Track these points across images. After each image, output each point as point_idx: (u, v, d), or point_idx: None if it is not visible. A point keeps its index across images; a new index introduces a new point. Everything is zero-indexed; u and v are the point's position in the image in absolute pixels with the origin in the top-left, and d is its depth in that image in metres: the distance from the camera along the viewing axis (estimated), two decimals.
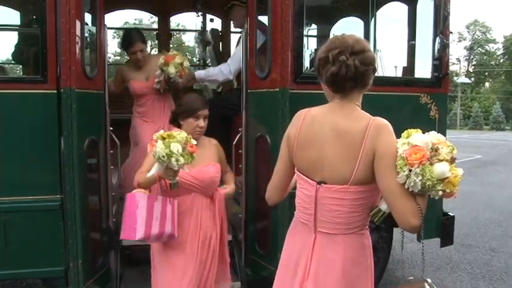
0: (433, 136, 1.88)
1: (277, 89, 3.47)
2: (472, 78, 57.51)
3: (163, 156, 2.57)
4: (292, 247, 2.17)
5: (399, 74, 4.84)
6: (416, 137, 1.86)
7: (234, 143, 3.95)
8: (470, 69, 61.55)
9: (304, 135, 2.04)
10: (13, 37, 4.79)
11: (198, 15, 6.80)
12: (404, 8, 4.65)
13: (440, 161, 1.81)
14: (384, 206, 1.95)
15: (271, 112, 3.54)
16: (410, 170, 1.79)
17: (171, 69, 4.10)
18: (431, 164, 1.80)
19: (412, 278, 2.13)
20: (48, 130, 3.32)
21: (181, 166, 2.64)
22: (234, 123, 4.49)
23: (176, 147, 2.59)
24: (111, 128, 3.67)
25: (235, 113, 4.33)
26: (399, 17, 4.77)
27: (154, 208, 2.79)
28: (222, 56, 6.27)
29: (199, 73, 4.63)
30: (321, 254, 2.03)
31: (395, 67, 5.33)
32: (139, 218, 2.74)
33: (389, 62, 5.05)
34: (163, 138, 2.61)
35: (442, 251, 5.39)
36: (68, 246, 3.27)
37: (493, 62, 61.01)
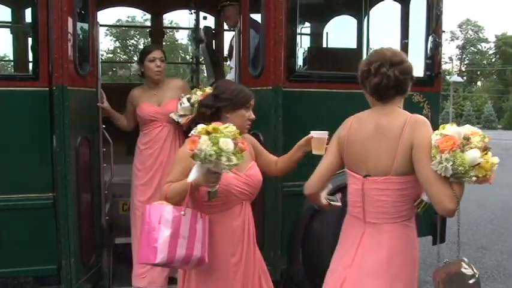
0: (467, 128, 2.04)
1: (271, 87, 3.47)
2: (464, 77, 57.81)
3: (210, 156, 2.04)
4: (345, 241, 2.33)
5: None
6: (449, 128, 2.03)
7: None
8: (463, 68, 61.88)
9: (353, 135, 2.25)
10: (4, 34, 4.76)
11: (191, 13, 6.78)
12: (397, 7, 4.67)
13: (472, 148, 1.96)
14: (425, 197, 2.11)
15: (264, 110, 3.53)
16: (441, 158, 1.95)
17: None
18: (462, 152, 1.95)
19: (447, 260, 2.24)
20: (40, 128, 3.30)
21: (231, 168, 2.13)
22: None
23: (227, 144, 2.07)
24: (104, 126, 3.65)
25: None
26: (392, 15, 4.78)
27: (182, 224, 2.24)
28: (215, 54, 6.26)
29: None
30: (367, 243, 2.19)
31: None
32: (161, 235, 2.20)
33: None
34: (208, 133, 2.10)
35: (434, 248, 5.41)
36: (61, 244, 3.26)
37: (485, 61, 61.39)
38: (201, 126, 2.15)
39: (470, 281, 2.10)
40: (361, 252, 2.19)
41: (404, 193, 2.13)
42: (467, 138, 1.98)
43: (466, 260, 2.17)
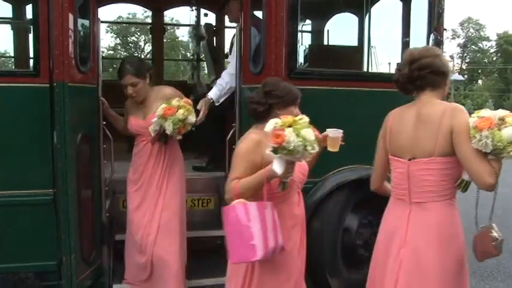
0: (500, 111, 2.26)
1: None
2: (465, 76, 57.73)
3: (298, 146, 2.14)
4: (388, 224, 2.53)
5: (393, 71, 4.84)
6: (485, 112, 2.27)
7: (228, 138, 3.94)
8: (464, 67, 61.78)
9: (395, 126, 2.50)
10: (5, 30, 4.76)
11: (192, 10, 6.78)
12: (398, 5, 4.66)
13: (507, 127, 2.16)
14: (466, 176, 2.31)
15: None
16: (481, 135, 2.16)
17: (169, 126, 3.29)
18: (499, 130, 2.15)
19: (483, 225, 2.53)
20: (41, 124, 3.30)
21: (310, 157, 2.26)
22: (228, 118, 4.47)
23: (309, 134, 2.19)
24: (104, 123, 3.65)
25: (229, 108, 4.32)
26: (393, 13, 4.78)
27: (267, 217, 2.33)
28: (215, 51, 6.26)
29: (214, 93, 4.16)
30: (415, 221, 2.36)
31: (389, 63, 5.35)
32: (255, 232, 2.27)
33: (383, 59, 5.06)
34: (289, 126, 2.19)
35: None
36: (61, 240, 3.26)
37: (486, 60, 61.26)
38: (278, 121, 2.23)
39: (493, 243, 2.44)
40: (411, 232, 2.36)
41: (448, 172, 2.31)
42: (502, 119, 2.19)
43: (494, 225, 2.51)
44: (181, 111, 3.29)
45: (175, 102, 3.33)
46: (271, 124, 2.25)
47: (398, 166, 2.45)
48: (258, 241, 2.27)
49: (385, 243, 2.50)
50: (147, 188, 3.53)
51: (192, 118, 3.37)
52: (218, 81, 4.21)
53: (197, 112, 3.67)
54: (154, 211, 3.50)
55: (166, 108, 3.28)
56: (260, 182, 2.33)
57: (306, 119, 2.28)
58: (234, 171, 2.44)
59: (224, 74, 4.20)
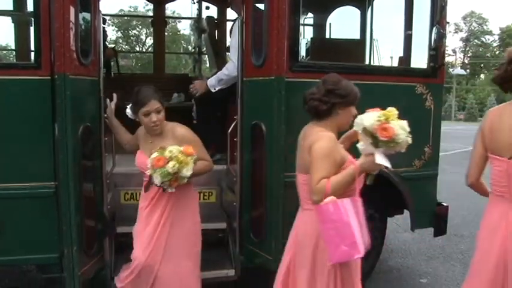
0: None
1: (273, 77, 3.46)
2: (468, 70, 57.56)
3: (405, 138, 2.28)
4: (489, 220, 2.58)
5: (395, 64, 4.83)
6: None
7: (229, 131, 3.94)
8: (466, 61, 61.59)
9: (495, 124, 2.52)
10: (6, 22, 4.74)
11: (194, 3, 6.76)
12: None
13: None
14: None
15: (266, 100, 3.53)
16: None
17: (156, 179, 2.93)
18: None
19: None
20: (42, 117, 3.29)
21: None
22: (229, 111, 4.47)
23: (406, 125, 2.30)
24: (106, 115, 3.64)
25: (230, 101, 4.32)
26: (396, 6, 4.75)
27: (359, 212, 2.40)
28: (217, 44, 6.24)
29: (211, 81, 4.29)
30: None
31: (392, 57, 5.32)
32: (355, 228, 2.31)
33: (385, 52, 5.04)
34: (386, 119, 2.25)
35: (435, 240, 5.43)
36: (63, 233, 3.26)
37: (488, 54, 61.05)
38: (378, 115, 2.28)
39: None
40: None
41: None
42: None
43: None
44: (171, 163, 2.87)
45: (167, 152, 2.92)
46: (370, 119, 2.28)
47: (498, 164, 2.52)
48: (358, 238, 2.28)
49: (488, 239, 2.55)
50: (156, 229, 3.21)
51: (187, 172, 2.93)
52: (219, 72, 4.31)
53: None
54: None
55: (156, 159, 2.90)
56: (352, 179, 2.38)
57: (395, 110, 2.34)
58: (319, 171, 2.39)
59: (228, 64, 4.25)
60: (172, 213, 3.20)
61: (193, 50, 7.63)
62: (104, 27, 5.22)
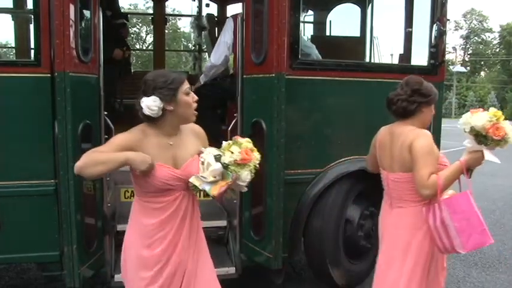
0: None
1: (273, 75, 3.45)
2: (468, 67, 57.50)
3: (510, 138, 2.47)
4: None
5: (395, 61, 4.82)
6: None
7: (229, 128, 3.93)
8: (466, 58, 61.54)
9: None
10: (6, 20, 4.73)
11: (194, 0, 6.76)
12: None
13: None
14: None
15: (266, 98, 3.52)
16: None
17: (247, 177, 2.27)
18: None
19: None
20: (42, 114, 3.29)
21: None
22: (229, 108, 4.47)
23: (510, 125, 2.50)
24: (106, 113, 3.64)
25: (230, 99, 4.32)
26: (396, 3, 4.74)
27: (474, 204, 2.56)
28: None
29: (202, 77, 4.70)
30: None
31: (392, 54, 5.32)
32: (481, 218, 2.52)
33: (385, 49, 5.03)
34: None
35: None
36: (63, 231, 3.26)
37: (488, 51, 61.01)
38: (489, 115, 2.45)
39: None
40: None
41: None
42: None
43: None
44: (257, 154, 2.30)
45: (246, 142, 2.28)
46: (481, 119, 2.44)
47: None
48: (486, 226, 2.49)
49: None
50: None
51: (247, 176, 2.30)
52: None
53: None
54: None
55: (245, 151, 2.23)
56: (458, 174, 2.57)
57: (500, 112, 2.52)
58: (427, 167, 2.54)
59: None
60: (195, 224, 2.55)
61: (193, 48, 7.63)
62: (125, 23, 5.19)
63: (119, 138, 2.30)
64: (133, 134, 2.32)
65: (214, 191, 2.24)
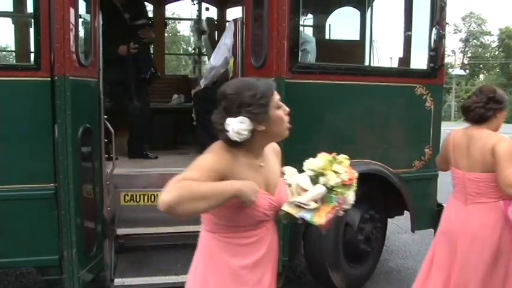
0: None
1: (273, 78, 3.45)
2: (467, 70, 57.57)
3: None
4: None
5: (395, 65, 4.83)
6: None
7: None
8: (465, 61, 61.59)
9: None
10: (6, 24, 4.74)
11: (194, 4, 6.77)
12: None
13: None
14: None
15: None
16: None
17: (351, 198, 1.95)
18: None
19: None
20: (42, 118, 3.29)
21: None
22: None
23: None
24: (106, 117, 3.64)
25: None
26: (396, 7, 4.75)
27: None
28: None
29: (203, 81, 4.71)
30: None
31: (391, 58, 5.32)
32: None
33: (385, 53, 5.04)
34: None
35: None
36: (62, 235, 3.26)
37: (488, 55, 61.08)
38: None
39: None
40: None
41: None
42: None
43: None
44: (354, 171, 1.97)
45: (344, 159, 1.96)
46: None
47: None
48: None
49: None
50: None
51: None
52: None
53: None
54: None
55: (350, 172, 1.92)
56: None
57: None
58: (510, 168, 2.75)
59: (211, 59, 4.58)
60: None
61: (193, 51, 7.63)
62: (146, 24, 5.14)
63: (209, 162, 1.79)
64: (222, 155, 1.82)
65: (319, 219, 1.86)
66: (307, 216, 1.85)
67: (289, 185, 1.92)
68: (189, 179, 1.66)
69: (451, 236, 3.04)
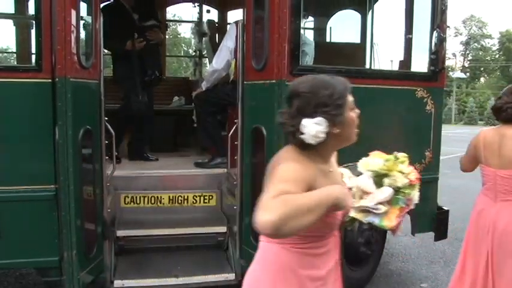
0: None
1: (274, 81, 3.46)
2: (468, 73, 57.59)
3: None
4: None
5: (396, 68, 4.83)
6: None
7: (230, 134, 3.94)
8: (466, 64, 61.65)
9: None
10: (7, 25, 4.75)
11: (195, 6, 6.78)
12: (401, 1, 4.64)
13: None
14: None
15: (267, 104, 3.52)
16: None
17: (417, 198, 1.88)
18: None
19: None
20: (43, 119, 3.29)
21: None
22: (230, 114, 4.48)
23: None
24: (106, 118, 3.64)
25: (230, 105, 4.33)
26: (396, 10, 4.75)
27: None
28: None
29: (204, 83, 4.68)
30: None
31: (392, 61, 5.33)
32: None
33: (386, 56, 5.04)
34: None
35: (436, 245, 5.42)
36: (62, 236, 3.26)
37: (488, 58, 61.14)
38: None
39: None
40: None
41: None
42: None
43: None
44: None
45: (404, 158, 1.91)
46: None
47: None
48: None
49: None
50: None
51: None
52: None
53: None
54: None
55: (415, 172, 1.87)
56: None
57: None
58: None
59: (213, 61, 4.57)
60: None
61: (194, 54, 7.64)
62: (154, 25, 5.14)
63: (297, 172, 1.64)
64: (304, 162, 1.69)
65: (389, 222, 1.78)
66: (376, 220, 1.78)
67: (349, 189, 1.80)
68: (285, 192, 1.51)
69: (482, 232, 3.16)
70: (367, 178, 1.78)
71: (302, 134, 1.66)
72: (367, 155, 1.97)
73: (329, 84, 1.73)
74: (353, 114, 1.78)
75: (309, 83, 1.74)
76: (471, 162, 3.36)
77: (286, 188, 1.53)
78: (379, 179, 1.77)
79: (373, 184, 1.76)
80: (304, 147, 1.70)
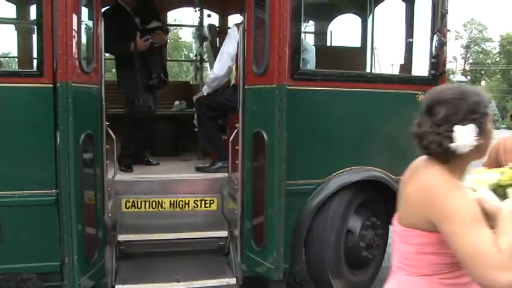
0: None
1: (275, 85, 3.45)
2: (468, 77, 57.60)
3: None
4: None
5: (396, 72, 4.83)
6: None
7: (231, 139, 3.94)
8: (467, 68, 61.65)
9: None
10: (9, 30, 4.76)
11: (196, 11, 6.79)
12: (402, 5, 4.65)
13: None
14: None
15: (268, 108, 3.52)
16: None
17: None
18: None
19: None
20: (44, 124, 3.29)
21: None
22: (231, 119, 4.48)
23: None
24: (108, 123, 3.64)
25: (231, 109, 4.33)
26: (397, 14, 4.76)
27: None
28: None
29: (205, 88, 4.67)
30: None
31: (392, 65, 5.33)
32: None
33: (386, 60, 5.05)
34: None
35: None
36: (63, 241, 3.25)
37: (489, 61, 61.15)
38: None
39: None
40: None
41: None
42: None
43: None
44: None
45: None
46: None
47: None
48: None
49: None
50: None
51: None
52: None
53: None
54: None
55: None
56: None
57: None
58: None
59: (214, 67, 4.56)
60: None
61: (194, 58, 7.65)
62: (156, 27, 5.11)
63: (473, 206, 1.52)
64: (459, 186, 1.58)
65: None
66: None
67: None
68: (492, 239, 1.44)
69: None
70: (488, 192, 1.67)
71: (452, 142, 1.54)
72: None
73: (477, 91, 1.62)
74: (490, 129, 1.63)
75: (457, 89, 1.63)
76: (491, 168, 3.35)
77: (487, 231, 1.45)
78: (501, 190, 1.67)
79: (496, 198, 1.65)
80: (447, 159, 1.59)
